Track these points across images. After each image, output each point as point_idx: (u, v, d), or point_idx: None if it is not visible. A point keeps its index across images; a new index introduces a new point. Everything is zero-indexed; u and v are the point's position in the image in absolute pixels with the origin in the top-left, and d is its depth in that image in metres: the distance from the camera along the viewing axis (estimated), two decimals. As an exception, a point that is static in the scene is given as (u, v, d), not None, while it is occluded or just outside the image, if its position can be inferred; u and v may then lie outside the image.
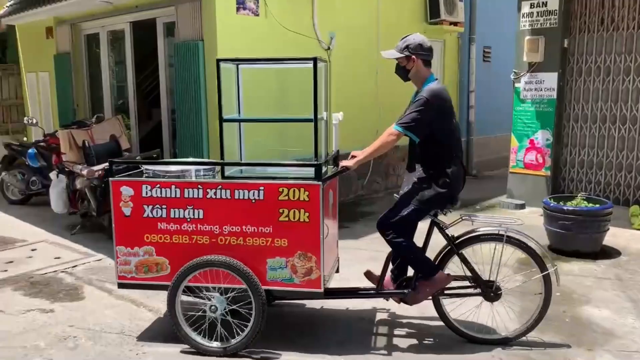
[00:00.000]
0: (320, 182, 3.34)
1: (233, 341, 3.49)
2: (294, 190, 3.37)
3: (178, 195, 3.49)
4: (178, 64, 6.61)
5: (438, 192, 3.45)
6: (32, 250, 5.83)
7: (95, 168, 5.51)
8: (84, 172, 5.62)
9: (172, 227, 3.53)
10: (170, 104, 7.30)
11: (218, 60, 3.61)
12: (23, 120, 6.71)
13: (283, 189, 3.38)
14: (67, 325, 4.01)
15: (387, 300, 3.89)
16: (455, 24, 9.09)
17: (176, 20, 6.62)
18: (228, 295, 3.52)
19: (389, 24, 8.09)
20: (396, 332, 3.90)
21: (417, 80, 3.55)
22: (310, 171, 3.39)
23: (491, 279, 3.59)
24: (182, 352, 3.57)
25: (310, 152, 3.51)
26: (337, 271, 4.07)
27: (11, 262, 5.45)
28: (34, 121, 7.32)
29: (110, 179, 3.59)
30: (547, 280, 3.52)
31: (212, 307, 3.54)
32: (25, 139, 9.84)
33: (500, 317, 3.75)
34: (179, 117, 6.69)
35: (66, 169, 6.16)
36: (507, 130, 7.83)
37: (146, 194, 3.53)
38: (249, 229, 3.46)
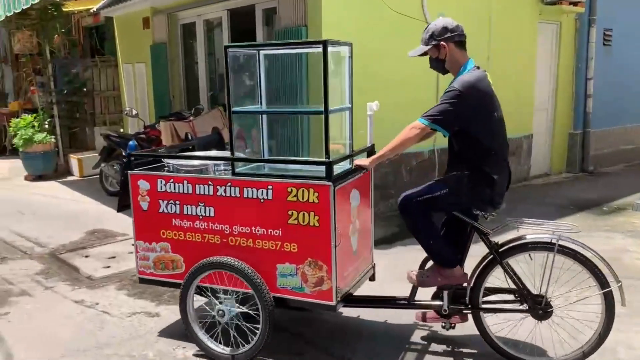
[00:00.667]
0: (330, 183, 2.98)
1: (241, 349, 3.27)
2: (303, 191, 3.05)
3: (190, 192, 3.34)
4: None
5: (475, 189, 3.07)
6: (133, 245, 5.68)
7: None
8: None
9: (185, 224, 3.40)
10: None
11: (226, 47, 3.25)
12: (122, 111, 6.60)
13: (292, 189, 3.07)
14: (174, 332, 3.74)
15: (424, 320, 3.46)
16: (575, 3, 8.19)
17: (277, 6, 6.26)
18: (239, 299, 3.31)
19: (502, 4, 7.37)
20: (432, 347, 3.49)
21: (454, 69, 3.14)
22: (323, 169, 3.03)
23: (541, 293, 3.09)
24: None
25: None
26: (373, 279, 3.73)
27: (113, 257, 5.32)
28: (134, 112, 7.25)
29: (129, 172, 3.49)
30: (608, 299, 2.98)
31: (220, 312, 3.35)
32: (121, 130, 9.93)
33: (551, 338, 3.23)
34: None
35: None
36: (630, 121, 6.89)
37: (161, 189, 3.42)
38: (258, 230, 3.21)
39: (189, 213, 3.36)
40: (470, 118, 2.99)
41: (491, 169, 3.04)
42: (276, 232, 3.16)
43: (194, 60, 8.52)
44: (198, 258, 3.33)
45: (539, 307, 3.09)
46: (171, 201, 3.40)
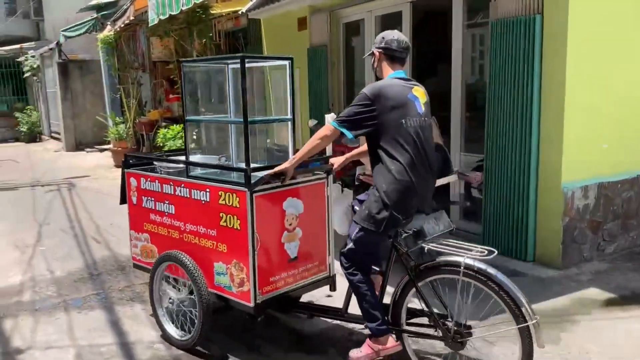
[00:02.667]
0: (246, 189, 3.12)
1: (186, 336, 3.56)
2: (229, 195, 3.26)
3: (160, 190, 3.71)
4: (495, 47, 5.06)
5: (382, 207, 2.94)
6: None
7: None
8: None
9: (157, 218, 3.78)
10: (464, 98, 5.82)
11: (180, 61, 4.23)
12: (308, 123, 5.58)
13: (221, 193, 3.29)
14: None
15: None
16: None
17: (493, -9, 5.09)
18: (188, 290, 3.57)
19: None
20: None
21: (380, 78, 3.20)
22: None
23: (457, 321, 2.92)
24: None
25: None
26: (333, 289, 3.75)
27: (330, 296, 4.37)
28: (314, 122, 6.23)
29: (125, 170, 3.99)
30: (524, 335, 2.67)
31: (170, 299, 3.72)
32: (267, 141, 9.14)
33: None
34: (492, 114, 5.15)
35: (359, 182, 4.96)
36: None
37: (143, 186, 3.85)
38: (201, 229, 3.48)
39: (159, 209, 3.75)
40: (375, 121, 2.98)
41: (405, 175, 2.93)
42: (212, 232, 3.39)
43: (358, 62, 7.55)
44: (164, 250, 3.72)
45: (450, 336, 2.91)
46: (150, 198, 3.82)
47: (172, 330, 3.67)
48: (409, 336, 3.16)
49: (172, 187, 3.59)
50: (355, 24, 7.43)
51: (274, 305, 3.56)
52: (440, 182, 4.43)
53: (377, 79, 3.23)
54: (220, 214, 3.29)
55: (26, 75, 18.25)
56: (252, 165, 3.21)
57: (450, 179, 4.40)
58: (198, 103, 4.24)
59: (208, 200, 3.36)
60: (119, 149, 11.76)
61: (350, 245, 3.08)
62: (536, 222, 4.94)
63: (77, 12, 15.49)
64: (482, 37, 6.22)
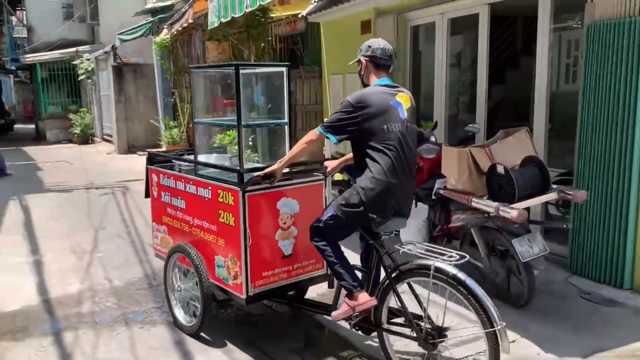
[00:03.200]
0: (239, 188, 3.35)
1: (193, 322, 3.80)
2: (225, 194, 3.49)
3: (174, 186, 4.02)
4: (591, 52, 4.60)
5: (356, 202, 3.13)
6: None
7: (521, 205, 3.73)
8: (508, 213, 3.73)
9: (172, 212, 4.09)
10: (548, 108, 5.35)
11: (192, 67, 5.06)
12: (466, 128, 4.93)
13: (220, 191, 3.53)
14: None
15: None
16: None
17: (590, -10, 4.64)
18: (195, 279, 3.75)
19: None
20: None
21: (367, 85, 3.37)
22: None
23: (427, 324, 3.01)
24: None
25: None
26: (331, 286, 3.84)
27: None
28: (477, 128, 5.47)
29: (148, 166, 4.32)
30: (491, 340, 2.70)
31: (178, 287, 3.97)
32: (325, 151, 8.85)
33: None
34: (585, 126, 4.68)
35: (438, 197, 4.57)
36: None
37: (162, 182, 4.18)
38: (205, 224, 3.74)
39: (174, 204, 4.04)
40: (356, 127, 3.13)
41: (382, 179, 3.07)
42: (214, 228, 3.64)
43: (425, 68, 7.17)
44: (178, 241, 4.01)
45: (422, 337, 3.01)
46: (167, 193, 4.13)
47: (181, 316, 3.97)
48: (389, 334, 3.25)
49: (183, 184, 3.93)
50: (425, 28, 7.05)
51: (267, 298, 3.77)
52: (537, 200, 4.01)
53: (364, 85, 3.39)
54: (219, 211, 3.57)
55: (81, 78, 18.55)
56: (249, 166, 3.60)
57: (550, 196, 3.97)
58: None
59: (210, 197, 3.66)
60: (172, 153, 11.70)
61: (319, 224, 3.29)
62: (635, 246, 4.45)
63: (133, 15, 15.63)
64: (572, 42, 5.75)
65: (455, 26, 6.60)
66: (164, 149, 12.02)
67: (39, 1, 20.94)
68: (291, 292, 3.90)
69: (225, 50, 11.92)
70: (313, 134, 3.24)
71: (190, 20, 9.17)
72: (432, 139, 5.56)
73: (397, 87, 3.30)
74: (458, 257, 2.85)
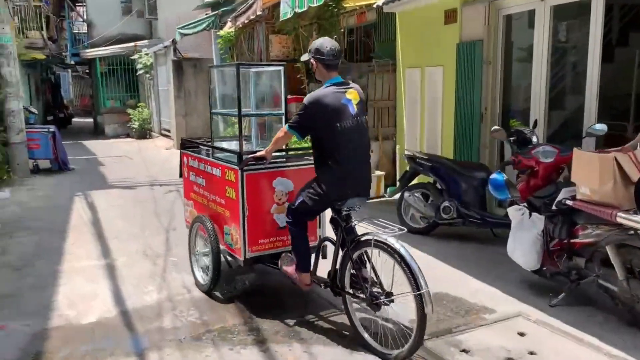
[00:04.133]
0: (238, 168, 3.98)
1: (206, 282, 4.46)
2: (229, 172, 4.13)
3: (197, 167, 4.74)
4: None
5: (319, 191, 3.66)
6: (520, 334, 3.79)
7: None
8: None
9: (196, 189, 4.82)
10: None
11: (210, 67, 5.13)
12: (588, 130, 4.39)
13: (226, 171, 4.17)
14: None
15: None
16: None
17: None
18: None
19: None
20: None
21: (321, 82, 3.73)
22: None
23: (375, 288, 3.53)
24: None
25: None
26: (324, 257, 4.18)
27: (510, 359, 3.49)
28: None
29: (181, 150, 5.07)
30: (418, 302, 3.19)
31: (196, 251, 4.69)
32: (397, 147, 8.31)
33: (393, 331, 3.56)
34: None
35: (560, 207, 3.99)
36: None
37: (190, 164, 4.91)
38: (217, 198, 4.39)
39: (197, 182, 4.78)
40: (314, 125, 3.62)
41: (339, 167, 3.55)
42: (222, 201, 4.32)
43: (518, 60, 6.55)
44: (199, 213, 4.74)
45: (368, 298, 3.48)
46: (193, 172, 4.86)
47: (199, 276, 4.64)
48: (348, 296, 3.69)
49: (203, 165, 4.61)
50: (520, 16, 6.41)
51: (262, 262, 4.29)
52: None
53: (318, 81, 3.83)
54: (226, 187, 4.21)
55: (139, 72, 18.56)
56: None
57: None
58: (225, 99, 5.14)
59: (220, 175, 4.30)
60: (233, 149, 11.39)
61: (293, 208, 3.85)
62: None
63: (193, 9, 15.44)
64: None
65: (560, 14, 5.94)
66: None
67: (99, -4, 21.13)
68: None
69: (289, 44, 11.52)
70: (282, 131, 3.81)
71: (259, 12, 8.78)
72: (534, 139, 4.97)
73: (346, 84, 3.68)
74: (397, 229, 3.40)
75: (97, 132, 21.18)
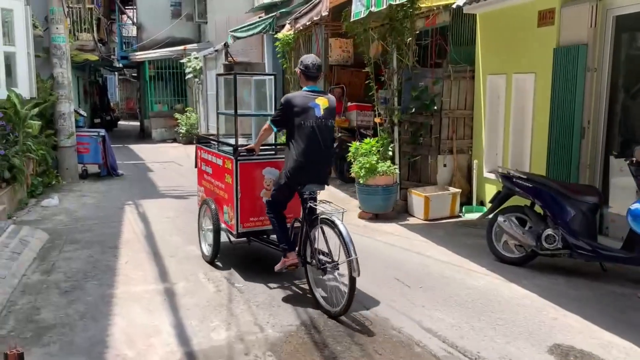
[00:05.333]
0: (233, 158, 4.91)
1: (209, 253, 5.43)
2: (227, 161, 5.07)
3: (206, 158, 5.71)
4: None
5: (283, 176, 4.50)
6: None
7: None
8: None
9: (206, 177, 5.77)
10: None
11: (217, 75, 6.19)
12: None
13: (225, 160, 5.13)
14: None
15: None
16: None
17: None
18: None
19: None
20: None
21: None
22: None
23: (324, 257, 4.35)
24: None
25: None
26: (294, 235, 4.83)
27: None
28: None
29: (196, 144, 6.10)
30: (349, 266, 3.95)
31: (204, 229, 5.61)
32: (475, 162, 7.52)
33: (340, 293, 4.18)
34: None
35: None
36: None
37: (202, 156, 5.86)
38: (219, 184, 5.35)
39: (207, 171, 5.71)
40: (286, 121, 4.45)
41: (298, 158, 4.34)
42: (222, 185, 5.25)
43: (631, 67, 5.71)
44: (206, 197, 5.71)
45: (316, 264, 4.34)
46: (203, 163, 5.82)
47: (205, 249, 5.56)
48: (310, 267, 4.50)
49: (210, 156, 5.54)
50: (636, 17, 5.57)
51: (251, 235, 5.17)
52: None
53: (300, 87, 4.64)
54: (225, 174, 5.13)
55: (188, 77, 18.23)
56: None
57: None
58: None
59: (221, 164, 5.23)
60: (287, 158, 10.78)
61: (269, 199, 4.73)
62: None
63: (246, 12, 15.00)
64: None
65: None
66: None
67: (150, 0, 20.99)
68: (265, 235, 5.22)
69: (350, 48, 10.87)
70: (266, 124, 4.62)
71: (324, 13, 8.15)
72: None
73: (319, 92, 4.53)
74: (341, 209, 4.20)
75: (144, 136, 20.98)
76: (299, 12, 9.54)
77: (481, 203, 7.57)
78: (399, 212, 7.61)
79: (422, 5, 7.61)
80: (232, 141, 5.24)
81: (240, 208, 4.94)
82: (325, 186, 4.60)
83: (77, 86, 18.66)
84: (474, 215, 7.20)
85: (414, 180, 8.01)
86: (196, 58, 17.66)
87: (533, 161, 6.69)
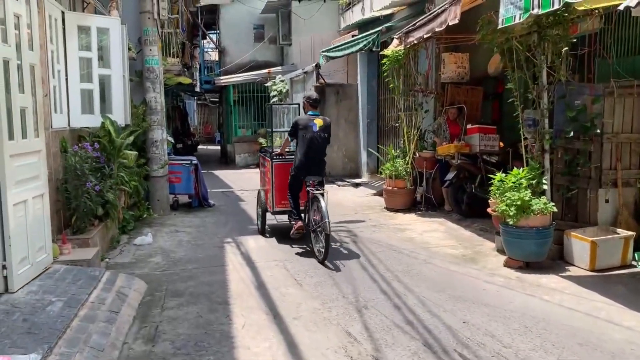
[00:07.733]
0: (270, 159, 7.51)
1: (259, 226, 8.02)
2: (268, 163, 7.61)
3: (262, 162, 8.34)
4: None
5: (293, 170, 6.99)
6: None
7: None
8: None
9: (263, 176, 8.25)
10: None
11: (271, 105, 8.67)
12: None
13: (268, 162, 7.61)
14: None
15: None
16: None
17: None
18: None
19: None
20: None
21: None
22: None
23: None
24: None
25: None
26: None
27: None
28: None
29: (260, 153, 8.79)
30: (324, 228, 6.09)
31: (258, 210, 8.19)
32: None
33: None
34: None
35: None
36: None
37: (261, 162, 8.42)
38: (265, 178, 7.85)
39: (262, 171, 8.32)
40: (295, 133, 6.89)
41: (298, 159, 6.84)
42: (267, 179, 7.71)
43: None
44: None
45: (312, 229, 6.59)
46: (261, 166, 8.38)
47: (258, 224, 8.01)
48: (310, 231, 6.66)
49: (263, 160, 8.08)
50: None
51: (283, 213, 7.59)
52: None
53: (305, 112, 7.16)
54: (268, 171, 7.63)
55: (273, 100, 17.54)
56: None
57: None
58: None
59: (266, 165, 7.75)
60: (394, 188, 9.58)
61: (289, 181, 7.07)
62: None
63: (339, 31, 14.12)
64: None
65: None
66: (385, 182, 9.98)
67: (233, 24, 20.64)
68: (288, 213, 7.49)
69: (466, 63, 9.64)
70: (286, 136, 7.37)
71: (450, 22, 6.97)
72: None
73: (317, 115, 7.02)
74: (322, 190, 6.57)
75: (227, 161, 20.47)
76: (413, 25, 8.42)
77: (658, 249, 6.05)
78: (553, 259, 6.21)
79: (579, 8, 6.27)
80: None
81: (275, 194, 7.45)
82: (321, 177, 6.92)
83: (162, 111, 18.39)
84: (653, 265, 5.72)
85: (570, 219, 6.59)
86: (282, 81, 16.95)
87: None
